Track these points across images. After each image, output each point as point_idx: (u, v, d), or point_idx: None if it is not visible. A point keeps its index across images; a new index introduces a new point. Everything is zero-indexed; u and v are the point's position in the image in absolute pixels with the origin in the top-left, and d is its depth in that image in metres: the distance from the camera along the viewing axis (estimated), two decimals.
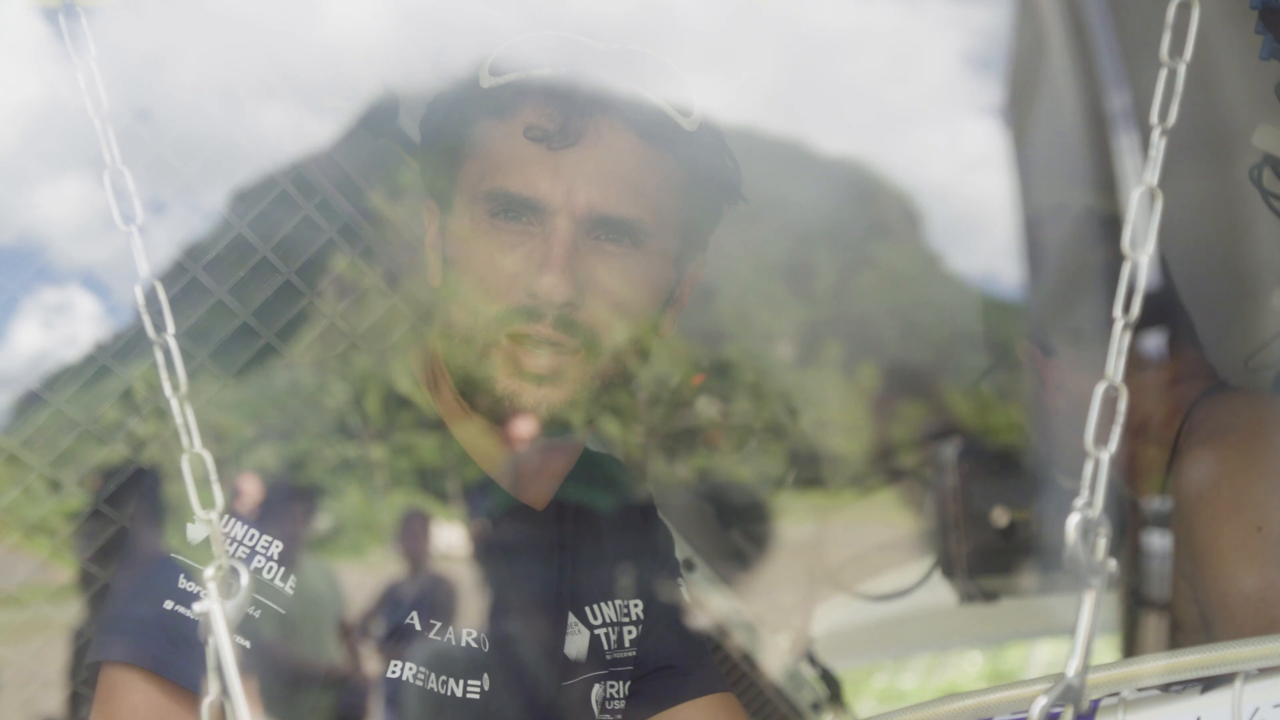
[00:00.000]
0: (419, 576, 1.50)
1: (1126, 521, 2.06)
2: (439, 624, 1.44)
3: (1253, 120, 1.95)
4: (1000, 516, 2.36)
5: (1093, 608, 0.96)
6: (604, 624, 1.60)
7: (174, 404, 0.80)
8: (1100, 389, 1.00)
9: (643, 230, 1.44)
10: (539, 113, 1.41)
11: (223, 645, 0.78)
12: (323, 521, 1.42)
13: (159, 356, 0.80)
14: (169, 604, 1.28)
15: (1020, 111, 2.04)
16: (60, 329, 1.57)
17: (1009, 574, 2.42)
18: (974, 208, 2.10)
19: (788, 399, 2.32)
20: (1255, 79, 1.87)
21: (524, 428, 1.43)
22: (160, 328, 0.82)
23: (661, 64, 1.48)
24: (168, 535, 1.31)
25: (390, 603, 1.45)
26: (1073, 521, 0.97)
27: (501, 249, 1.42)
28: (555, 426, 1.45)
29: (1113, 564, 0.96)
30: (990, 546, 2.37)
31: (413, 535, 1.51)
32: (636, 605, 1.66)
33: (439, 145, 1.51)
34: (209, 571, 0.80)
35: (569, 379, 1.43)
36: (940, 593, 2.45)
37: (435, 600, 1.46)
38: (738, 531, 2.42)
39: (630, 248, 1.44)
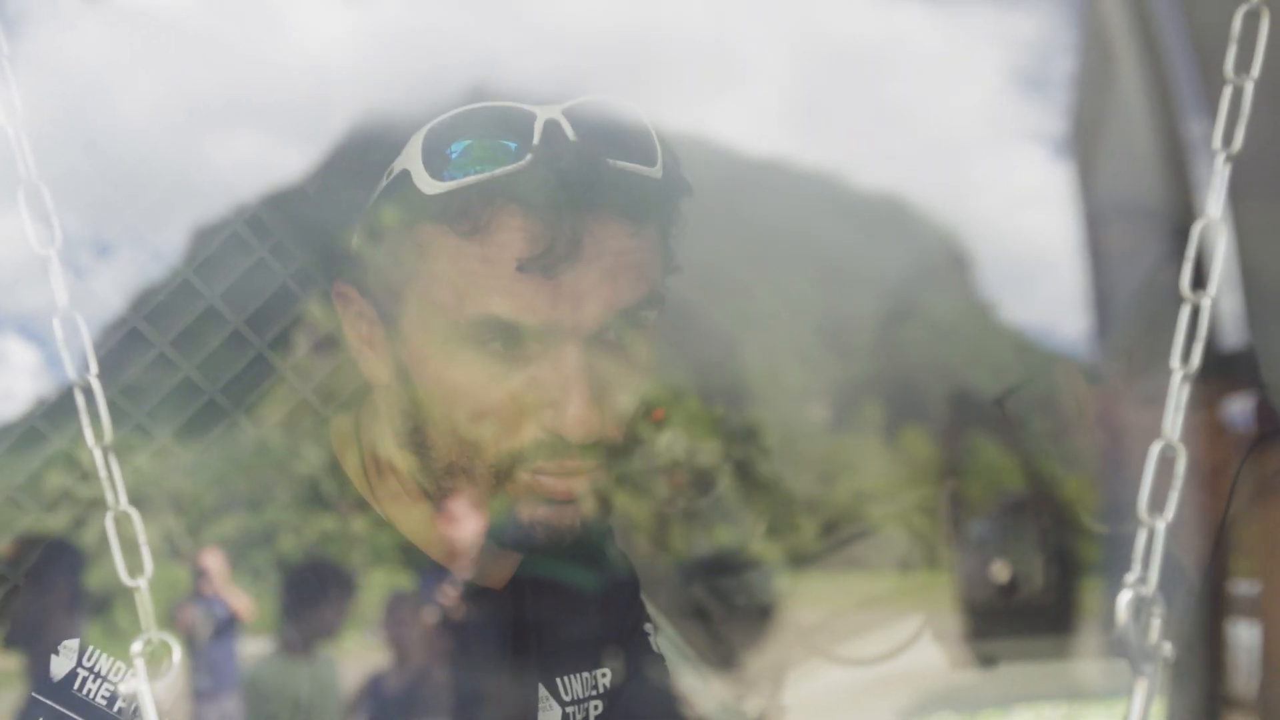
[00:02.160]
0: (363, 686, 1.50)
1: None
2: None
3: None
4: (1001, 572, 2.37)
5: (1146, 698, 0.96)
6: (573, 700, 1.61)
7: (98, 456, 0.80)
8: (1156, 449, 1.01)
9: (654, 300, 1.39)
10: (521, 235, 1.31)
11: None
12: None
13: (80, 400, 0.81)
14: None
15: (1086, 140, 2.05)
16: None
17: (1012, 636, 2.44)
18: (1032, 250, 2.11)
19: (821, 465, 2.32)
20: None
21: (547, 545, 1.42)
22: (82, 368, 0.82)
23: (623, 108, 1.39)
24: (30, 669, 1.32)
25: None
26: (1124, 599, 0.97)
27: (499, 376, 1.36)
28: (581, 535, 1.42)
29: (1168, 648, 0.97)
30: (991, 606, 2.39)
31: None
32: (604, 676, 1.66)
33: (380, 253, 1.42)
34: (136, 646, 0.80)
35: (593, 490, 1.40)
36: (927, 655, 2.46)
37: (381, 713, 1.46)
38: (702, 588, 2.44)
39: (638, 331, 1.40)
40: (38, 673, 1.33)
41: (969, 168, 2.06)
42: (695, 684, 2.40)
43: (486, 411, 1.37)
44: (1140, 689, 0.95)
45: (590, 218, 1.33)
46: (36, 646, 1.34)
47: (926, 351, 2.25)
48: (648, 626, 1.77)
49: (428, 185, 1.32)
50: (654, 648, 1.77)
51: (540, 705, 1.57)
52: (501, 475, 1.38)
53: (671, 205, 1.44)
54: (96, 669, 1.33)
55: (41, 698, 1.31)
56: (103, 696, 1.33)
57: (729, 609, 2.46)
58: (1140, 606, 0.97)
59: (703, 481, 2.21)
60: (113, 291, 1.63)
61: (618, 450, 1.42)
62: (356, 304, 1.45)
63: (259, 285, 1.72)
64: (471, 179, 1.31)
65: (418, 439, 1.43)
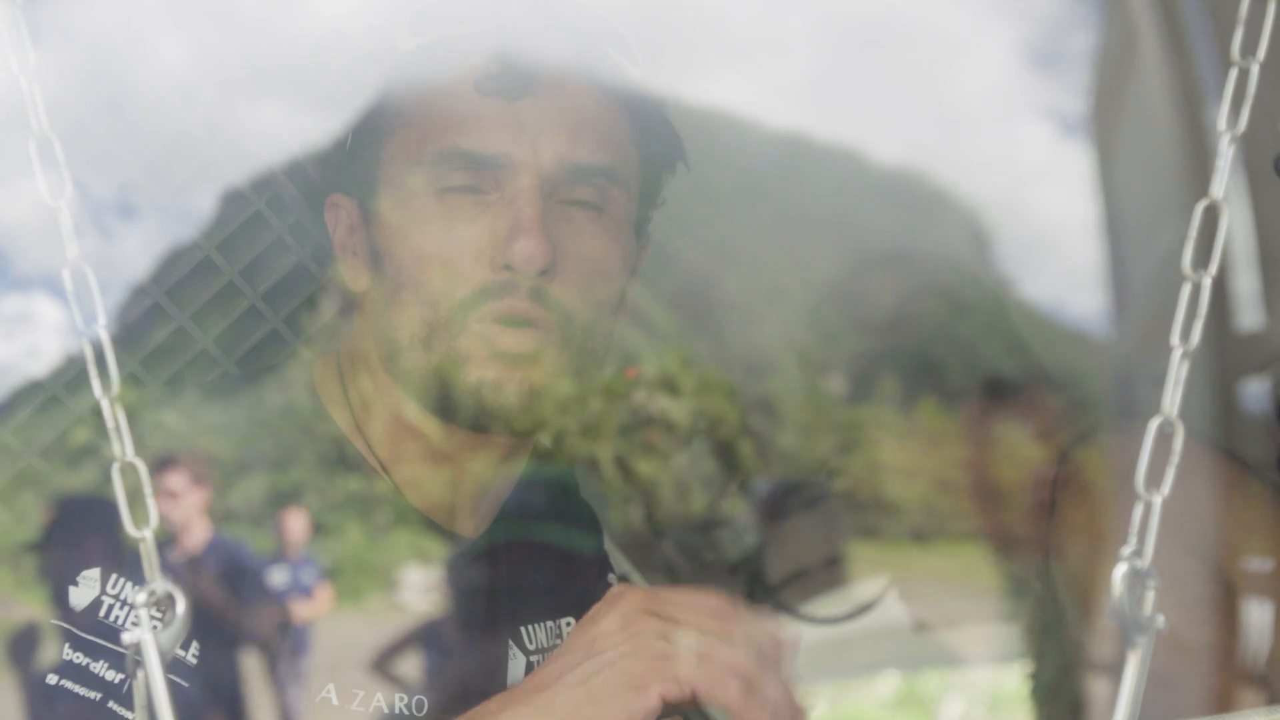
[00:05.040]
0: (333, 637, 1.51)
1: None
2: (361, 694, 1.44)
3: None
4: None
5: (1138, 669, 0.96)
6: (538, 649, 1.62)
7: (105, 407, 0.82)
8: (1154, 424, 1.02)
9: (614, 179, 1.45)
10: (486, 64, 1.40)
11: (155, 680, 0.80)
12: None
13: (88, 351, 0.82)
14: (53, 678, 1.30)
15: (1106, 119, 2.04)
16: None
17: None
18: (1050, 227, 2.10)
19: (837, 435, 2.33)
20: None
21: (504, 419, 1.42)
22: (90, 319, 0.83)
23: (596, 13, 1.48)
24: (53, 597, 1.32)
25: (300, 675, 1.45)
26: (1119, 572, 0.98)
27: (458, 223, 1.41)
28: (536, 413, 1.44)
29: (1161, 620, 0.97)
30: None
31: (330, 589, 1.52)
32: (568, 625, 1.67)
33: (353, 124, 1.49)
34: (141, 597, 0.82)
35: (546, 358, 1.42)
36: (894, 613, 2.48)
37: (356, 665, 1.47)
38: (672, 544, 2.44)
39: (596, 208, 1.45)
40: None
41: (989, 144, 2.05)
42: None
43: (448, 258, 1.41)
44: (1133, 660, 0.96)
45: (555, 66, 1.43)
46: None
47: (944, 326, 2.25)
48: (611, 576, 1.77)
49: (406, 42, 1.44)
50: None
51: (511, 656, 1.59)
52: (456, 330, 1.41)
53: (645, 114, 1.52)
54: (122, 596, 1.33)
55: (66, 625, 1.31)
56: (132, 623, 1.33)
57: (698, 565, 2.48)
58: (1135, 579, 0.98)
59: (679, 439, 2.21)
60: (139, 252, 1.65)
61: (580, 352, 1.44)
62: (345, 210, 1.52)
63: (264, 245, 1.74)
64: (448, 30, 1.43)
65: (389, 329, 1.46)
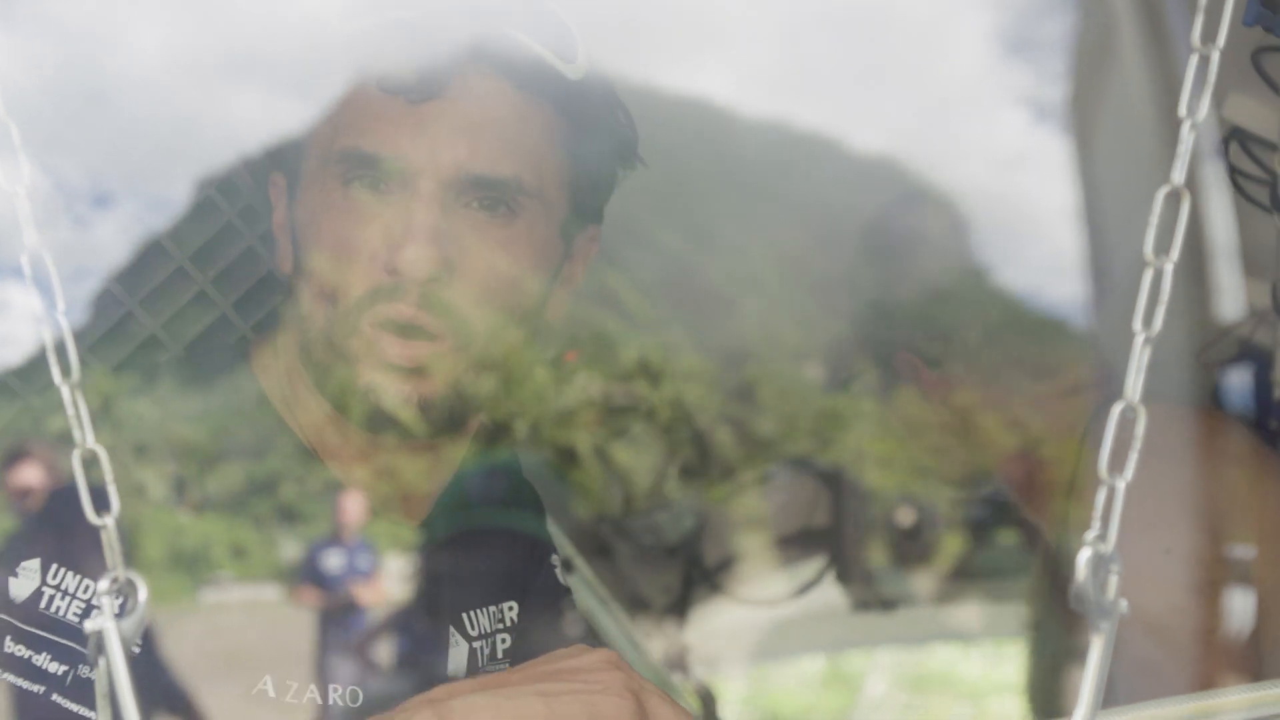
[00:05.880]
0: (274, 630, 1.51)
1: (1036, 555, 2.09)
2: (295, 685, 1.43)
3: (1225, 90, 1.96)
4: (905, 516, 2.40)
5: (1101, 652, 0.97)
6: (480, 635, 1.61)
7: (65, 393, 0.82)
8: (1117, 410, 1.03)
9: (521, 190, 1.42)
10: (395, 61, 1.38)
11: (117, 669, 0.81)
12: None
13: (47, 337, 0.83)
14: None
15: (1085, 106, 2.05)
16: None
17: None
18: (1028, 215, 2.11)
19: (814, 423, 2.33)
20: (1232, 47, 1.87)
21: (391, 428, 1.42)
22: (50, 305, 0.84)
23: (540, 6, 1.46)
24: None
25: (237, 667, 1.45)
26: (1083, 556, 0.99)
27: (357, 221, 1.40)
28: (426, 424, 1.44)
29: (1124, 605, 0.98)
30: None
31: (280, 575, 1.52)
32: (511, 609, 1.68)
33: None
34: (103, 584, 0.82)
35: (438, 370, 1.42)
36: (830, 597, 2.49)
37: (294, 657, 1.47)
38: (609, 526, 2.45)
39: (506, 215, 1.43)
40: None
41: (968, 131, 2.06)
42: (605, 622, 2.42)
43: (346, 256, 1.40)
44: (1097, 644, 0.97)
45: (471, 66, 1.40)
46: None
47: (920, 314, 2.26)
48: (554, 559, 1.77)
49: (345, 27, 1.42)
50: (561, 580, 1.78)
51: (451, 643, 1.58)
52: (350, 329, 1.40)
53: (583, 115, 1.48)
54: (63, 586, 1.33)
55: (6, 617, 1.31)
56: (74, 614, 1.33)
57: (638, 549, 2.48)
58: (1098, 564, 0.98)
59: (620, 422, 2.22)
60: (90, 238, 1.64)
61: (484, 359, 1.43)
62: (280, 190, 1.52)
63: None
64: (366, 19, 1.41)
65: (300, 320, 1.46)
